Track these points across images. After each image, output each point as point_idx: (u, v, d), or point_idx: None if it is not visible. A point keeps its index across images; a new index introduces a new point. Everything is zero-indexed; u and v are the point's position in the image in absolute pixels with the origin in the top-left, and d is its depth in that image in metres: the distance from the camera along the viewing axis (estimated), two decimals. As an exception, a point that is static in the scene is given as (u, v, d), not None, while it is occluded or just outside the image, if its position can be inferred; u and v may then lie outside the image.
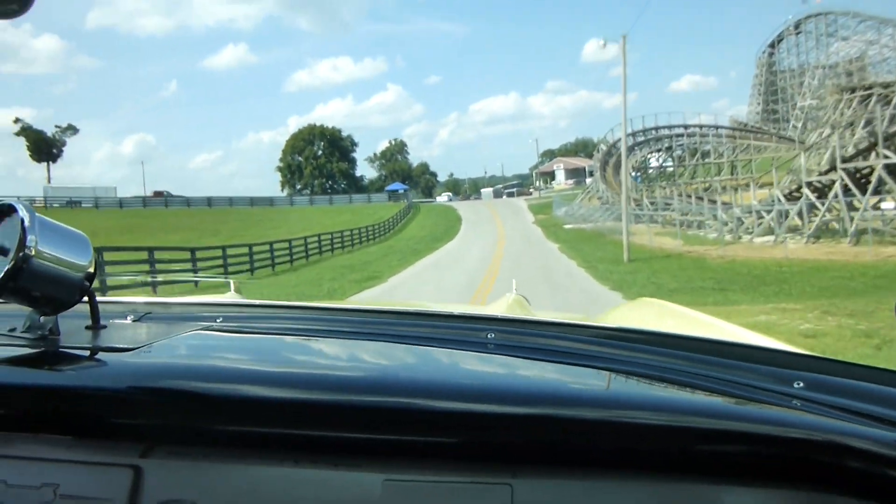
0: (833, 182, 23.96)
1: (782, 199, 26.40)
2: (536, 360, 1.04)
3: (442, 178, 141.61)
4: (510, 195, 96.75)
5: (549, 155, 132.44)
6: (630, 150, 58.67)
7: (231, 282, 2.38)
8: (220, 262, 22.62)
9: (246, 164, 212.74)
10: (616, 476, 0.81)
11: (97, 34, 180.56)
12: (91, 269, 1.01)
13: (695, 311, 2.05)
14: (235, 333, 1.19)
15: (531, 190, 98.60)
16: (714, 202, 32.82)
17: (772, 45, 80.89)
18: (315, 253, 32.55)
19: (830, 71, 70.69)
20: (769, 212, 26.47)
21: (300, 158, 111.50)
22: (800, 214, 24.04)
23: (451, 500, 0.81)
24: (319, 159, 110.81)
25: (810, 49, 75.61)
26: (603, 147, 58.51)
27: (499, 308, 2.43)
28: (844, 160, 22.98)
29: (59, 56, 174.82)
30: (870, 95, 49.44)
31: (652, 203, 39.20)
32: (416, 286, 18.79)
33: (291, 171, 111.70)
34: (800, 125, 67.08)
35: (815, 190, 25.28)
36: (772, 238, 25.19)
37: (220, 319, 1.22)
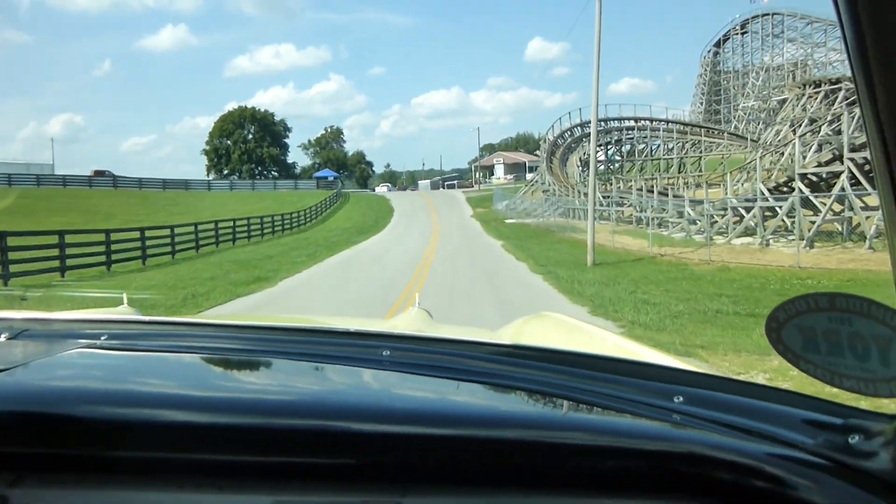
0: (837, 175, 19.90)
1: (766, 193, 22.29)
2: (430, 377, 1.05)
3: (379, 168, 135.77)
4: (450, 187, 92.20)
5: (490, 149, 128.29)
6: (577, 141, 54.71)
7: (124, 295, 2.24)
8: (55, 252, 16.90)
9: (180, 150, 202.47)
10: (503, 492, 0.82)
11: (26, 7, 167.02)
12: None
13: (588, 325, 2.13)
14: (120, 352, 1.14)
15: (472, 183, 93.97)
16: (680, 197, 28.59)
17: (717, 45, 78.89)
18: (209, 244, 27.08)
19: (775, 73, 68.77)
20: (749, 209, 22.33)
21: (228, 142, 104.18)
22: (790, 213, 19.92)
23: None
24: (249, 143, 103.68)
25: (755, 49, 74.01)
26: (549, 137, 54.15)
27: (400, 322, 2.41)
28: (853, 149, 18.90)
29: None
30: (837, 90, 46.92)
31: (606, 198, 34.92)
32: (311, 297, 13.74)
33: (219, 155, 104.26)
34: (742, 126, 64.92)
35: (809, 185, 21.24)
36: (753, 239, 21.12)
37: (105, 337, 1.16)
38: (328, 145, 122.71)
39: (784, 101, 63.14)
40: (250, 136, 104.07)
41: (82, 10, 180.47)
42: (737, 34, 76.10)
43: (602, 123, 57.05)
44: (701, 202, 26.12)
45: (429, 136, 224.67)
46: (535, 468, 0.82)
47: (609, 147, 57.47)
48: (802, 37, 68.51)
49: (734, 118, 71.43)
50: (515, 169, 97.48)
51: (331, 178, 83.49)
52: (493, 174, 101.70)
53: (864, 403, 0.86)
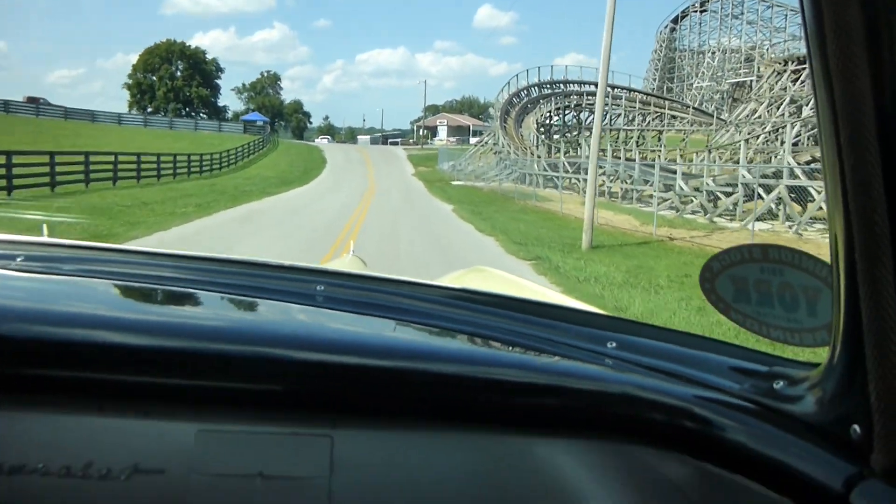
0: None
1: (796, 167, 17.70)
2: (363, 314, 1.03)
3: (317, 121, 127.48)
4: (392, 144, 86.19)
5: (433, 110, 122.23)
6: (534, 102, 49.60)
7: (44, 225, 2.02)
8: None
9: (112, 86, 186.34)
10: (435, 428, 0.83)
11: None
12: None
13: (521, 279, 2.10)
14: (36, 274, 1.07)
15: (416, 142, 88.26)
16: (671, 170, 23.77)
17: (675, 21, 74.63)
18: (78, 181, 20.96)
19: (732, 54, 65.61)
20: (770, 188, 17.73)
21: (154, 78, 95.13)
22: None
23: (269, 450, 0.79)
24: (177, 81, 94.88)
25: (713, 29, 70.33)
26: (504, 96, 48.64)
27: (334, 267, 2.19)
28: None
29: None
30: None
31: (573, 164, 30.00)
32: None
33: (142, 91, 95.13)
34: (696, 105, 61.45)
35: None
36: (772, 225, 16.60)
37: (21, 259, 1.09)
38: (263, 91, 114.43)
39: (739, 83, 60.71)
40: (178, 74, 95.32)
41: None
42: (695, 11, 72.13)
43: (560, 86, 52.09)
44: (696, 177, 21.49)
45: (371, 95, 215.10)
46: (471, 404, 0.82)
47: (567, 111, 52.36)
48: (763, 20, 65.32)
49: (687, 97, 67.86)
50: (459, 132, 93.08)
51: (260, 123, 76.28)
52: (435, 135, 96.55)
53: (790, 353, 0.87)
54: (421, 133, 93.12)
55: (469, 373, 0.84)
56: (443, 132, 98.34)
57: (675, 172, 22.54)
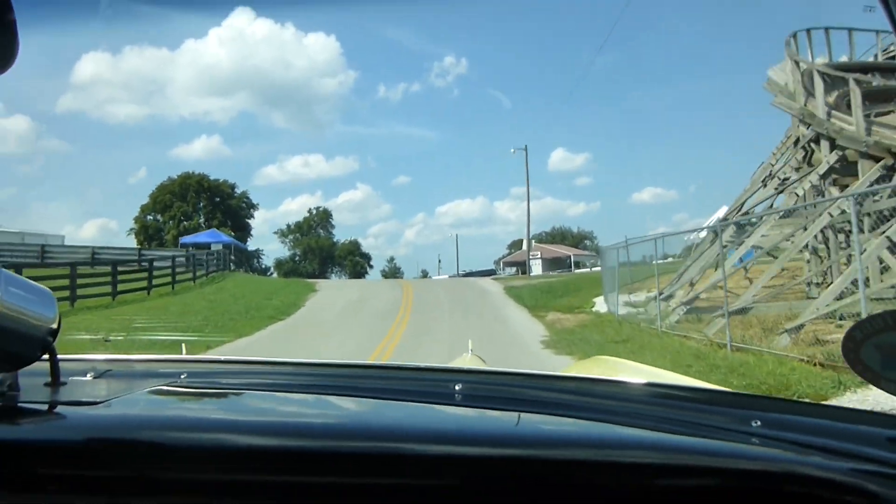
0: None
1: None
2: (504, 409, 1.07)
3: (379, 264, 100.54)
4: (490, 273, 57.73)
5: (519, 246, 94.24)
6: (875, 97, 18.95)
7: (183, 345, 2.25)
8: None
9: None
10: None
11: (67, 118, 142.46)
12: (54, 326, 0.98)
13: (647, 366, 2.02)
14: (201, 388, 1.17)
15: (525, 271, 59.53)
16: None
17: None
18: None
19: None
20: None
21: (162, 219, 70.56)
22: None
23: None
24: (192, 221, 69.84)
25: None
26: (796, 83, 17.18)
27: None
28: None
29: (29, 137, 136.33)
30: None
31: None
32: None
33: (148, 236, 70.17)
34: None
35: None
36: None
37: (185, 376, 1.19)
38: (311, 231, 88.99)
39: None
40: (199, 211, 70.57)
41: (120, 122, 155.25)
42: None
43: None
44: None
45: (453, 245, 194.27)
46: (623, 488, 0.81)
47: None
48: None
49: None
50: (556, 265, 68.37)
51: (213, 245, 45.60)
52: (528, 272, 68.80)
53: None
54: (529, 251, 63.93)
55: (616, 458, 0.82)
56: (537, 267, 70.80)
57: None
